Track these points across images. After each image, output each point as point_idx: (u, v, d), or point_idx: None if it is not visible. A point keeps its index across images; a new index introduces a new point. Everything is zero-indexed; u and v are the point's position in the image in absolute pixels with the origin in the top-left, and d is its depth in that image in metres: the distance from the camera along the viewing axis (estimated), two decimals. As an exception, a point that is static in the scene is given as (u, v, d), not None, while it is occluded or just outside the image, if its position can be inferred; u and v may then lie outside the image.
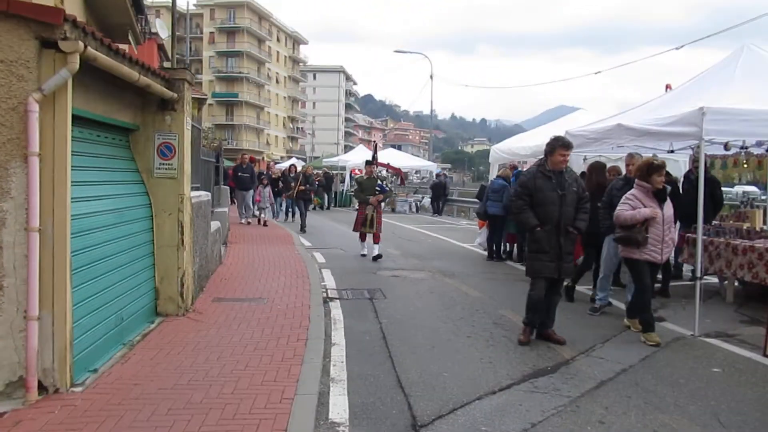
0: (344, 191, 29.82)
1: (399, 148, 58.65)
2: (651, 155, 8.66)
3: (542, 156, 6.20)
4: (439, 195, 25.58)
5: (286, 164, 35.69)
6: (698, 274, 6.27)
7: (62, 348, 4.36)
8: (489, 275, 10.21)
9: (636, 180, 6.32)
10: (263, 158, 57.82)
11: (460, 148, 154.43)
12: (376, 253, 11.54)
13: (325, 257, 11.87)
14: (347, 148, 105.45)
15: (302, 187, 16.88)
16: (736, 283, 8.21)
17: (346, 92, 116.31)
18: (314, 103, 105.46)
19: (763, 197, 12.29)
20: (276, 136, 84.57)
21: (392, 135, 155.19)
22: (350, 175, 29.92)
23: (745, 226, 8.52)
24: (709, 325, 6.79)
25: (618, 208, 6.27)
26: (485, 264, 11.62)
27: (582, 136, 8.78)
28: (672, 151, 9.35)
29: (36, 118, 4.18)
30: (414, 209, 26.95)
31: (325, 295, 8.27)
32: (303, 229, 16.48)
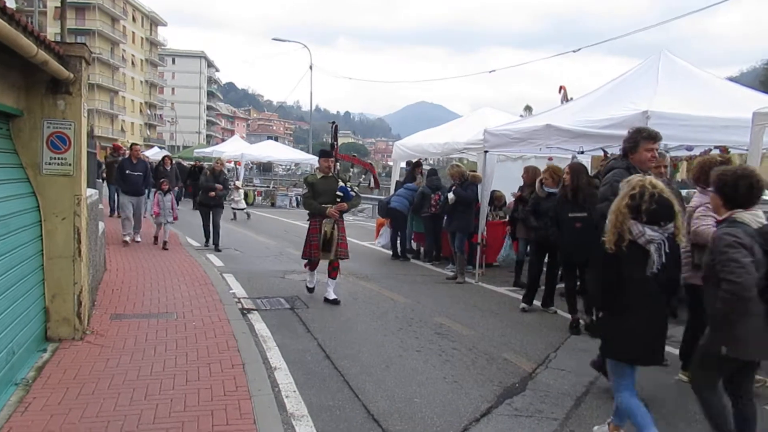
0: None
1: (276, 139, 56.13)
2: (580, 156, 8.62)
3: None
4: (321, 189, 24.83)
5: (149, 153, 33.02)
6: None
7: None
8: (405, 277, 9.82)
9: (701, 187, 5.02)
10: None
11: (325, 139, 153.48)
12: (332, 296, 7.67)
13: (222, 260, 10.85)
14: (209, 138, 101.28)
15: (213, 194, 11.87)
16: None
17: (208, 79, 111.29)
18: (173, 89, 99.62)
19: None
20: (132, 123, 78.88)
21: (256, 125, 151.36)
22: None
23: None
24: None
25: (700, 224, 4.79)
26: (393, 264, 11.24)
27: (505, 136, 8.63)
28: (582, 152, 9.49)
29: None
30: (295, 204, 26.07)
31: (240, 306, 7.40)
32: (216, 245, 11.95)
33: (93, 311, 6.57)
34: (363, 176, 23.63)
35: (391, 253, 11.97)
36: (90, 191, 7.03)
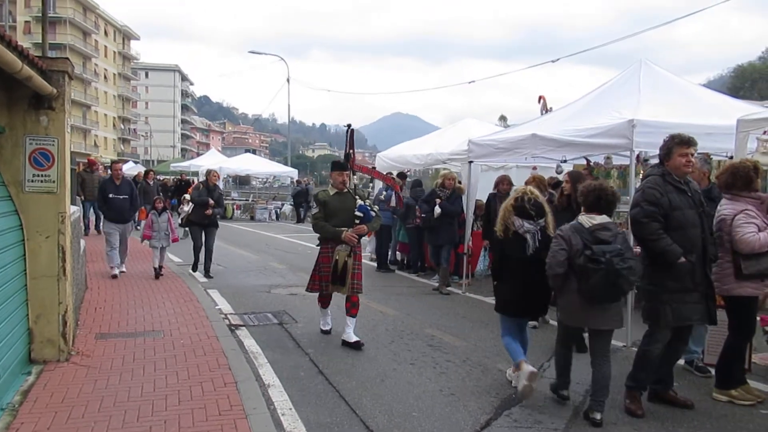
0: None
1: (253, 152, 55.35)
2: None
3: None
4: (302, 202, 24.83)
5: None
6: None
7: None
8: (392, 289, 9.77)
9: (733, 193, 4.87)
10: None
11: (301, 152, 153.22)
12: (352, 338, 6.36)
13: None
14: (184, 152, 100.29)
15: (209, 211, 10.27)
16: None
17: (182, 92, 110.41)
18: (147, 103, 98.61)
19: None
20: (105, 138, 77.86)
21: (231, 138, 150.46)
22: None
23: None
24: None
25: (744, 232, 4.63)
26: (379, 276, 11.20)
27: (490, 146, 8.66)
28: (565, 161, 9.55)
29: None
30: (274, 217, 25.92)
31: (227, 322, 7.29)
32: (207, 271, 10.47)
33: (77, 331, 6.42)
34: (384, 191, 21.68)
35: (375, 264, 11.92)
36: (72, 208, 6.89)
